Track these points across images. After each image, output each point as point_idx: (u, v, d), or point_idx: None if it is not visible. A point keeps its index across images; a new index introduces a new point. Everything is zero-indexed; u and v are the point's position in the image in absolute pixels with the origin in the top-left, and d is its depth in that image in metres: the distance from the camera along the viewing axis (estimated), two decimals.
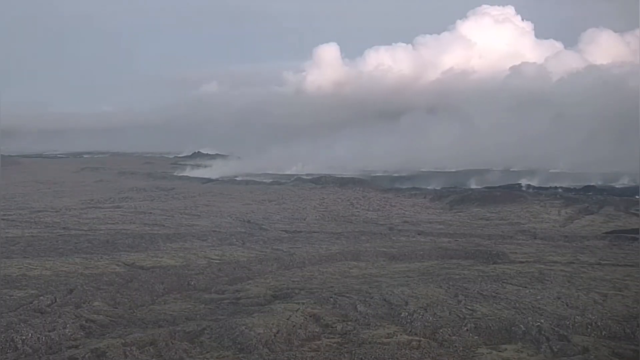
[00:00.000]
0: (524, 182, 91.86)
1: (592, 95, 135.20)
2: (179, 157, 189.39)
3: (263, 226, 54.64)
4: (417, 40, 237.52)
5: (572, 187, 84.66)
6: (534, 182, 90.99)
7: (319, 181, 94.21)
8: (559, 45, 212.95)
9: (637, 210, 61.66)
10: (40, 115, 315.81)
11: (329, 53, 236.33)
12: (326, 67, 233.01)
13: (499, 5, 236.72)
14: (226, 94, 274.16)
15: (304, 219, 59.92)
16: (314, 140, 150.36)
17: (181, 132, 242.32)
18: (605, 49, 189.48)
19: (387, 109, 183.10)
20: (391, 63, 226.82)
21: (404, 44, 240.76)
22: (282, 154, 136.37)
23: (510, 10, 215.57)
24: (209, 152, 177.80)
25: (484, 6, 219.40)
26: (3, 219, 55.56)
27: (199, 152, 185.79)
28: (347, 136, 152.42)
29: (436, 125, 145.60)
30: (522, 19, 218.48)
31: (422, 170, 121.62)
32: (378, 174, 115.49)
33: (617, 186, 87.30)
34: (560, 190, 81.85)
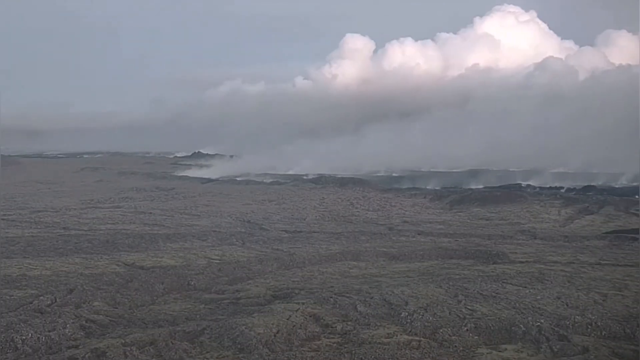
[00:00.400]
0: (539, 178, 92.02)
1: (621, 94, 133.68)
2: (179, 157, 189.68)
3: (263, 226, 54.64)
4: (439, 36, 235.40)
5: (572, 187, 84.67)
6: (534, 182, 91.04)
7: (319, 181, 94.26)
8: (574, 46, 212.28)
9: (637, 210, 61.66)
10: (64, 116, 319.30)
11: (356, 44, 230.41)
12: (350, 62, 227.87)
13: (513, 4, 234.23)
14: (240, 93, 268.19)
15: (304, 219, 59.93)
16: (325, 140, 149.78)
17: (182, 132, 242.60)
18: (623, 49, 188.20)
19: (407, 107, 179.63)
20: (416, 59, 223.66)
21: (428, 41, 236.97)
22: (283, 153, 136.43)
23: (532, 12, 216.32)
24: (209, 152, 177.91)
25: (505, 5, 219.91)
26: (3, 219, 55.57)
27: (199, 152, 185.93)
28: (364, 134, 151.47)
29: (455, 125, 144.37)
30: (539, 18, 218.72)
31: (422, 170, 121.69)
32: (386, 175, 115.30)
33: (617, 186, 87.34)
34: (560, 190, 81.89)
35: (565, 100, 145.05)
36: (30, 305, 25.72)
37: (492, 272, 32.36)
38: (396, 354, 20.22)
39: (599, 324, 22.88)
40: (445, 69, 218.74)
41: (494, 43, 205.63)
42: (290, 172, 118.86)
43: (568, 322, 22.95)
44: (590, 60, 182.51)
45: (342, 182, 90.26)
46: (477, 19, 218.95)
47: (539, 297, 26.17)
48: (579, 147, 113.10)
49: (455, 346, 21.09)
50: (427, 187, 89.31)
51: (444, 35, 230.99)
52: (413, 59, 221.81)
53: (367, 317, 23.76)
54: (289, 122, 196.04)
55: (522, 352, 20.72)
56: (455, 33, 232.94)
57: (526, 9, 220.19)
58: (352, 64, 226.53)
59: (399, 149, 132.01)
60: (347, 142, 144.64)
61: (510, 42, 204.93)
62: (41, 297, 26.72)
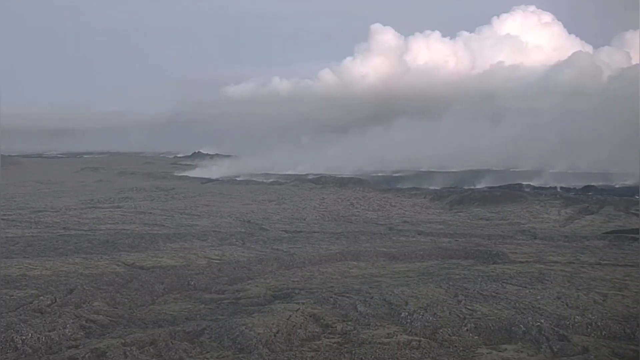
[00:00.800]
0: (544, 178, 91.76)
1: None
2: (179, 157, 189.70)
3: (263, 226, 54.64)
4: (461, 34, 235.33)
5: (572, 187, 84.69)
6: (534, 182, 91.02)
7: (319, 181, 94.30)
8: (591, 49, 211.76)
9: (637, 210, 61.70)
10: (86, 116, 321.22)
11: (382, 36, 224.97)
12: (375, 56, 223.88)
13: (526, 5, 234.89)
14: (261, 91, 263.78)
15: (304, 219, 59.93)
16: (343, 137, 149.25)
17: (183, 132, 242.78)
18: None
19: (431, 105, 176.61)
20: (440, 56, 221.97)
21: (457, 38, 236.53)
22: (284, 153, 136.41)
23: (549, 14, 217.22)
24: (209, 152, 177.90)
25: (523, 5, 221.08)
26: (3, 219, 55.57)
27: (199, 152, 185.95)
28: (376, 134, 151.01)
29: (480, 123, 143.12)
30: (557, 20, 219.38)
31: (422, 170, 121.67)
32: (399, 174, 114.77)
33: (617, 186, 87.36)
34: (560, 190, 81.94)
35: (590, 98, 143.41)
36: (30, 305, 25.71)
37: (492, 272, 32.35)
38: (396, 354, 20.21)
39: (599, 324, 22.89)
40: (468, 67, 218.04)
41: (516, 42, 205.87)
42: (276, 173, 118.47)
43: (568, 322, 22.95)
44: (613, 60, 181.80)
45: (342, 182, 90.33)
46: (494, 19, 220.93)
47: (539, 297, 26.17)
48: (600, 146, 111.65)
49: (455, 346, 21.08)
50: (428, 187, 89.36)
51: (465, 33, 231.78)
52: (440, 56, 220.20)
53: (367, 317, 23.75)
54: (310, 119, 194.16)
55: (522, 352, 20.71)
56: (471, 31, 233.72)
57: (550, 15, 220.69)
58: (377, 58, 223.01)
59: (423, 147, 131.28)
60: (370, 138, 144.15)
61: (531, 42, 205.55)
62: (41, 297, 26.71)
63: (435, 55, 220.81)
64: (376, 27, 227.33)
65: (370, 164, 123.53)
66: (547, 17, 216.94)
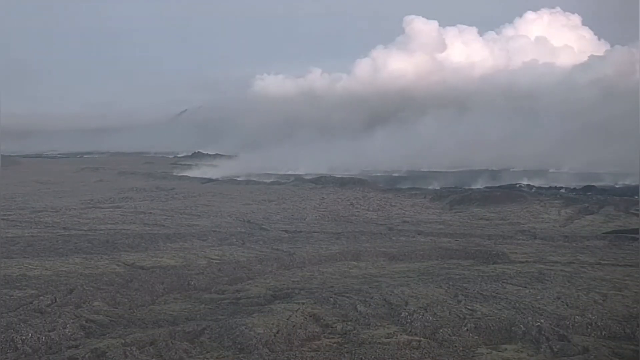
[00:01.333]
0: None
1: None
2: (179, 157, 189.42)
3: (263, 226, 54.64)
4: (488, 32, 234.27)
5: (572, 187, 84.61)
6: (534, 182, 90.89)
7: (319, 181, 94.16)
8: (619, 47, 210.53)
9: (637, 210, 61.65)
10: (106, 115, 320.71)
11: (419, 28, 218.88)
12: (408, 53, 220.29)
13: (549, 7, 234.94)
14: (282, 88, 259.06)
15: (304, 219, 59.91)
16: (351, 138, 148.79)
17: (184, 132, 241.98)
18: None
19: (462, 102, 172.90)
20: (471, 53, 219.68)
21: (491, 33, 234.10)
22: (285, 153, 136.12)
23: (577, 16, 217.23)
24: (209, 152, 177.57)
25: (546, 8, 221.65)
26: (3, 219, 55.57)
27: (199, 152, 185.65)
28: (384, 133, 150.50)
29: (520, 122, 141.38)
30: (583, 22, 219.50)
31: (422, 170, 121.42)
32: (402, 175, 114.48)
33: (617, 186, 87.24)
34: (562, 190, 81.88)
35: (628, 95, 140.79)
36: (30, 305, 25.73)
37: (492, 272, 32.37)
38: (396, 354, 20.23)
39: (599, 324, 22.90)
40: (501, 64, 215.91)
41: (546, 43, 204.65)
42: (276, 173, 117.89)
43: (568, 322, 22.97)
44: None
45: (342, 182, 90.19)
46: (517, 19, 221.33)
47: (539, 297, 26.18)
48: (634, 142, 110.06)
49: (455, 346, 21.10)
50: (428, 187, 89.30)
51: (491, 31, 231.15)
52: (473, 52, 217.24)
53: (367, 317, 23.76)
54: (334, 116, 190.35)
55: (522, 352, 20.74)
56: (494, 29, 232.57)
57: (577, 17, 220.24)
58: (409, 51, 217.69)
59: (450, 144, 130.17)
60: (394, 136, 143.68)
61: (558, 42, 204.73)
62: (41, 297, 26.73)
63: (469, 51, 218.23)
64: (410, 18, 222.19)
65: (394, 162, 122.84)
66: (575, 18, 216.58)
